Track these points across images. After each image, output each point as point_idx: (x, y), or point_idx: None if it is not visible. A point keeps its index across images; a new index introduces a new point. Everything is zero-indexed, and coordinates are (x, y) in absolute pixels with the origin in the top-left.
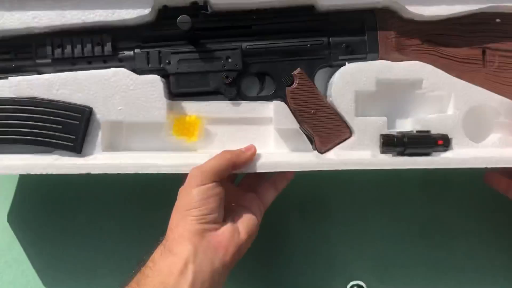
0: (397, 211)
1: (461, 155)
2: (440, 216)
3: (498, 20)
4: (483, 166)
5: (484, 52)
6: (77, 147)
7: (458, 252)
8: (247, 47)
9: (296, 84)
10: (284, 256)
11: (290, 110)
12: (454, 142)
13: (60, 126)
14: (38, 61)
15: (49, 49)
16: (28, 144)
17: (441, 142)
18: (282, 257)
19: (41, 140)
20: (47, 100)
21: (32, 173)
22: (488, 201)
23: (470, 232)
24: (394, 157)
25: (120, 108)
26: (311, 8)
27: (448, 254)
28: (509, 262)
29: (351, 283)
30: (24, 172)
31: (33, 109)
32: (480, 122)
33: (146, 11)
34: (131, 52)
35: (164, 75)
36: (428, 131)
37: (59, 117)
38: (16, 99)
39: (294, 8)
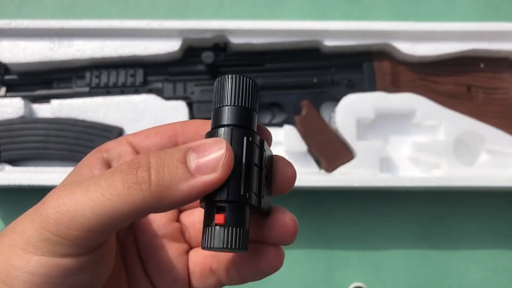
0: (398, 212)
1: (453, 175)
2: (441, 217)
3: (482, 65)
4: (473, 184)
5: (469, 89)
6: None
7: (460, 254)
8: (261, 81)
9: (304, 113)
10: (286, 257)
11: (300, 135)
12: (446, 164)
13: (94, 143)
14: (77, 89)
15: (88, 78)
16: (64, 160)
17: None
18: None
19: (75, 155)
20: (83, 120)
21: None
22: (489, 202)
23: (472, 233)
24: (393, 176)
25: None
26: (316, 50)
27: (449, 256)
28: None
29: (353, 284)
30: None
31: (70, 127)
32: (470, 147)
33: (175, 49)
34: (160, 84)
35: (188, 103)
36: None
37: (93, 134)
38: (56, 118)
39: (302, 50)
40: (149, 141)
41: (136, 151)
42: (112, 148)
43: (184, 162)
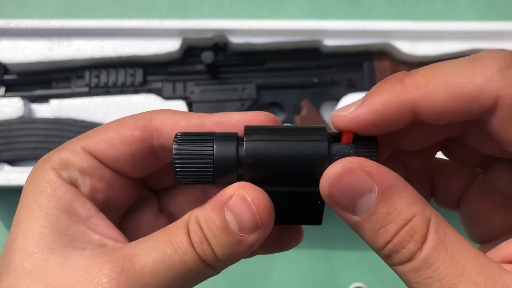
0: None
1: None
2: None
3: None
4: None
5: None
6: None
7: None
8: (261, 81)
9: (304, 113)
10: (285, 258)
11: None
12: None
13: None
14: (76, 89)
15: (87, 78)
16: None
17: None
18: (282, 259)
19: None
20: (82, 120)
21: None
22: None
23: None
24: None
25: None
26: (316, 50)
27: None
28: None
29: (353, 285)
30: None
31: (70, 127)
32: None
33: (174, 49)
34: (159, 84)
35: (188, 103)
36: None
37: None
38: (55, 119)
39: (302, 50)
40: (116, 151)
41: (103, 164)
42: (70, 162)
43: (228, 228)
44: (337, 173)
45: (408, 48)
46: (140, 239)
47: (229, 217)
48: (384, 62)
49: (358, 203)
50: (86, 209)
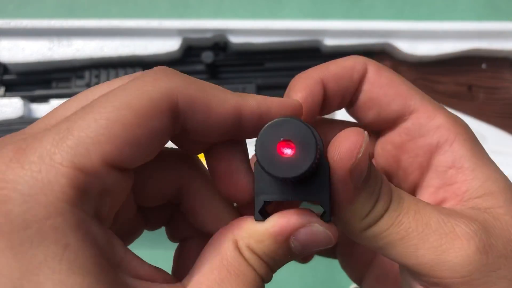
0: None
1: None
2: None
3: (483, 65)
4: None
5: (470, 89)
6: None
7: None
8: (261, 81)
9: None
10: None
11: None
12: None
13: None
14: (76, 89)
15: (87, 78)
16: None
17: None
18: None
19: None
20: None
21: None
22: None
23: None
24: None
25: None
26: (317, 50)
27: None
28: None
29: (353, 285)
30: None
31: None
32: None
33: (174, 49)
34: None
35: None
36: None
37: None
38: None
39: (302, 49)
40: (144, 154)
41: (125, 172)
42: (90, 188)
43: (292, 253)
44: (366, 140)
45: (408, 48)
46: (190, 276)
47: (295, 244)
48: (384, 62)
49: (364, 171)
50: (118, 250)
